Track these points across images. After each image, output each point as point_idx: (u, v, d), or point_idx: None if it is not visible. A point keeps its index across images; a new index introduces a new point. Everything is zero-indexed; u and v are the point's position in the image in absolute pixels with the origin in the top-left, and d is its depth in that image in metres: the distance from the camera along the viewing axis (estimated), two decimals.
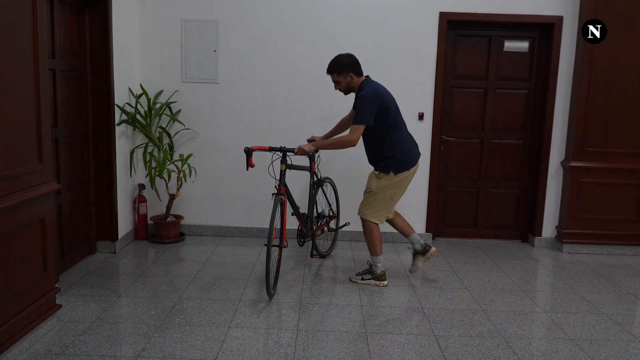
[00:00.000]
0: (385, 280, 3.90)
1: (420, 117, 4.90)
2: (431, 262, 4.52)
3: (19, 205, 2.57)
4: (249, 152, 3.74)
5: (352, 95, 3.90)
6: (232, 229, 5.08)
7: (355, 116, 3.59)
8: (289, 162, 3.86)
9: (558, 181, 4.98)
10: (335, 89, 3.81)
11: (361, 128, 3.58)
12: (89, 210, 4.29)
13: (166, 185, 4.77)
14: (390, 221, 4.04)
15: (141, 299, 3.48)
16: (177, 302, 3.45)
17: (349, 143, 3.61)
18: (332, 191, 4.77)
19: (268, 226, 3.94)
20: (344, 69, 3.68)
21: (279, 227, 3.68)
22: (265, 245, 3.78)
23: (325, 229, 4.51)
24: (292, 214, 4.03)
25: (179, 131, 4.88)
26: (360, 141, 3.76)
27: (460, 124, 5.07)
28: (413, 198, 5.02)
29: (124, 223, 4.64)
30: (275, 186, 3.87)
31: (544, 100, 4.93)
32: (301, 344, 2.89)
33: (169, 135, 4.84)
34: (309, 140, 4.03)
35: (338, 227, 4.73)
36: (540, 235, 5.05)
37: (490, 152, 5.11)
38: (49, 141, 2.87)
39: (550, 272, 4.37)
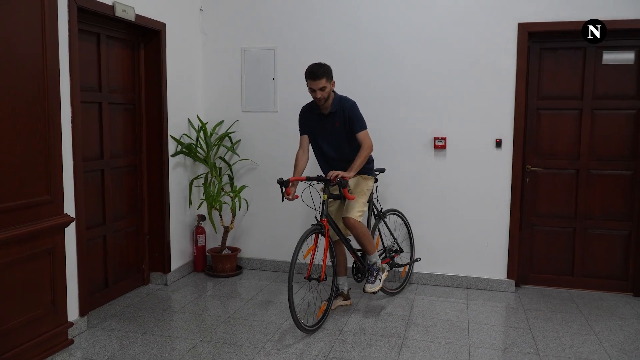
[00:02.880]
0: None
1: (498, 144, 4.25)
2: (505, 315, 3.82)
3: (16, 237, 2.55)
4: (283, 183, 3.48)
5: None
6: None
7: (357, 126, 3.58)
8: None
9: None
10: (318, 97, 3.50)
11: (367, 132, 3.60)
12: (142, 241, 4.31)
13: (220, 217, 4.66)
14: (338, 245, 3.80)
15: (163, 337, 3.33)
16: (197, 344, 3.24)
17: (370, 149, 3.58)
18: (403, 224, 4.36)
19: (321, 263, 3.71)
20: (331, 75, 3.55)
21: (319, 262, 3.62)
22: (306, 279, 3.53)
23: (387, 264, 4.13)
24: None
25: (236, 162, 4.78)
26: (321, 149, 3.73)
27: (549, 151, 4.31)
28: (491, 237, 4.34)
29: (180, 254, 4.60)
30: (315, 217, 3.58)
31: None
32: None
33: (229, 165, 4.75)
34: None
35: (412, 262, 4.36)
36: None
37: (588, 184, 4.27)
38: (61, 173, 2.87)
39: None
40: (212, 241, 4.91)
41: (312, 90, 3.51)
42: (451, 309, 3.92)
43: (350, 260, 4.00)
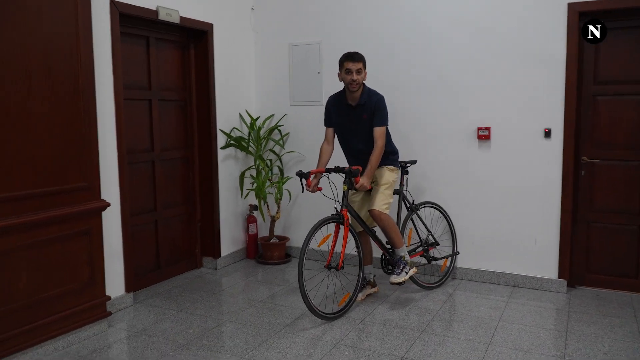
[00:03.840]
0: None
1: (547, 133, 3.98)
2: (544, 316, 3.60)
3: (53, 218, 2.92)
4: (303, 175, 3.60)
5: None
6: (337, 255, 4.88)
7: (378, 119, 3.60)
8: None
9: None
10: (353, 80, 3.53)
11: (384, 129, 3.63)
12: (194, 227, 4.64)
13: (267, 206, 4.87)
14: (363, 235, 3.85)
15: (194, 316, 3.59)
16: (222, 323, 3.46)
17: (382, 149, 3.61)
18: (442, 217, 4.27)
19: (362, 252, 3.80)
20: (365, 63, 3.62)
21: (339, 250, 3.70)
22: (326, 267, 3.69)
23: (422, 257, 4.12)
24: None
25: (282, 154, 4.95)
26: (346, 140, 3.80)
27: (608, 141, 3.95)
28: (540, 233, 4.09)
29: (231, 241, 4.87)
30: (335, 207, 3.64)
31: None
32: None
33: (279, 157, 4.95)
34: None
35: (450, 255, 4.25)
36: None
37: None
38: (97, 162, 3.21)
39: None
40: (265, 230, 5.13)
41: (348, 72, 3.53)
42: (487, 306, 3.77)
43: (378, 252, 3.99)
